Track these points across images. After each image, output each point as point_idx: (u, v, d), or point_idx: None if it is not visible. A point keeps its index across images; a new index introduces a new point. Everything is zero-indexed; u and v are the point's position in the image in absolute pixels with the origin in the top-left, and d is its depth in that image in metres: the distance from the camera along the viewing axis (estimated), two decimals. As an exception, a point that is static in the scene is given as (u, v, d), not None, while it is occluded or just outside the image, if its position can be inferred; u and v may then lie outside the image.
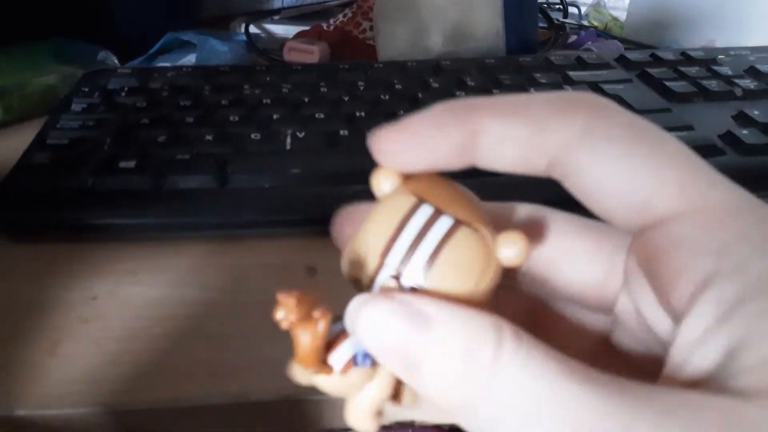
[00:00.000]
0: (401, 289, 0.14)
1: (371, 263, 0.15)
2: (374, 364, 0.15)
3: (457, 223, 0.14)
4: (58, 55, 0.40)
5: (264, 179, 0.30)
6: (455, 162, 0.15)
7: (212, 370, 0.23)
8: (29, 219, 0.28)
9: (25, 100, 0.39)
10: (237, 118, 0.34)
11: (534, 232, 0.17)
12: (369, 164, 0.31)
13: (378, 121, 0.34)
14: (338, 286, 0.27)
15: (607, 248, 0.16)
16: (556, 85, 0.39)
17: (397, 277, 0.14)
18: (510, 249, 0.14)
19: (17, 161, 0.31)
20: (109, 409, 0.22)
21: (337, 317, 0.15)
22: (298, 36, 0.50)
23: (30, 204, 0.28)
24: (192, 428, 0.23)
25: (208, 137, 0.32)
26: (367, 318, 0.14)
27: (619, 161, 0.14)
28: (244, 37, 0.50)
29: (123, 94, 0.36)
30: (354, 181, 0.30)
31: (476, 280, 0.14)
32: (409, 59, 0.42)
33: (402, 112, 0.36)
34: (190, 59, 0.45)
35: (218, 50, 0.44)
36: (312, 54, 0.44)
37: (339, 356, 0.15)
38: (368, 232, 0.15)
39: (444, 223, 0.14)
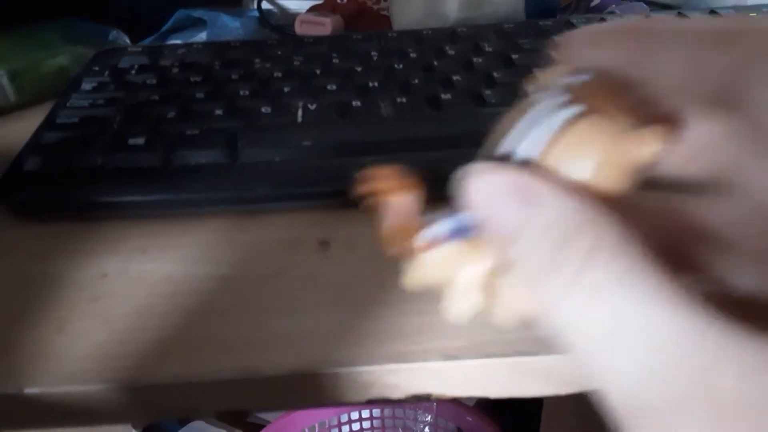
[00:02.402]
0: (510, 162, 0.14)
1: (491, 143, 0.14)
2: (468, 240, 0.14)
3: (589, 111, 0.13)
4: (69, 35, 0.40)
5: (275, 152, 0.29)
6: (626, 71, 0.14)
7: (223, 346, 0.23)
8: (39, 198, 0.28)
9: (37, 81, 0.38)
10: (247, 92, 0.34)
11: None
12: (382, 135, 0.30)
13: (391, 90, 0.34)
14: (351, 259, 0.26)
15: None
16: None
17: (508, 156, 0.14)
18: (644, 144, 0.13)
19: (27, 141, 0.30)
20: (119, 385, 0.22)
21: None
22: (312, 10, 0.49)
23: (40, 183, 0.28)
24: (202, 404, 0.23)
25: (218, 112, 0.32)
26: (478, 183, 0.13)
27: None
28: (256, 13, 0.50)
29: (133, 72, 0.36)
30: (367, 152, 0.29)
31: (597, 168, 0.13)
32: (424, 28, 0.41)
33: (416, 81, 0.34)
34: (201, 37, 0.45)
35: (230, 26, 0.44)
36: (324, 26, 0.43)
37: (429, 233, 0.14)
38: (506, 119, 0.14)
39: (574, 108, 0.13)
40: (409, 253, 0.14)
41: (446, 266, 0.15)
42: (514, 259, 0.13)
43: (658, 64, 0.13)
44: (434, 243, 0.14)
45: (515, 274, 0.13)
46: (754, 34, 0.12)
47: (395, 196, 0.14)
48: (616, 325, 0.11)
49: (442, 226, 0.14)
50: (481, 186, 0.13)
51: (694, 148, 0.15)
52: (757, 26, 0.12)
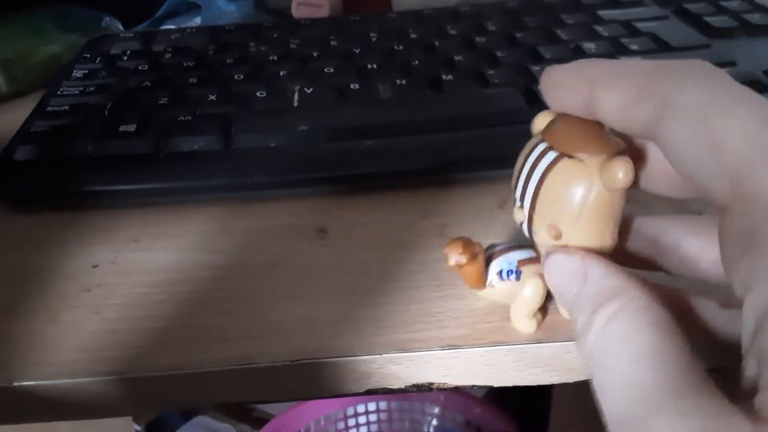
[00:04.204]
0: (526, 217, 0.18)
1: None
2: (518, 278, 0.20)
3: (560, 156, 0.17)
4: (61, 23, 0.39)
5: (270, 138, 0.29)
6: (586, 112, 0.17)
7: (219, 336, 0.22)
8: (29, 188, 0.27)
9: (30, 70, 0.38)
10: (242, 77, 0.33)
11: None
12: (382, 118, 0.29)
13: (391, 72, 0.33)
14: (350, 246, 0.25)
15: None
16: (585, 27, 0.36)
17: (521, 206, 0.18)
18: (610, 174, 0.15)
19: (17, 130, 0.30)
20: (112, 377, 0.21)
21: (491, 245, 0.21)
22: (310, -7, 0.48)
23: (29, 172, 0.28)
24: (198, 396, 0.22)
25: (212, 97, 0.31)
26: (549, 264, 0.18)
27: (696, 135, 0.14)
28: (253, -3, 0.48)
29: (125, 58, 0.35)
30: (365, 136, 0.29)
31: (578, 204, 0.16)
32: (425, 8, 0.40)
33: (417, 62, 0.33)
34: (196, 21, 0.44)
35: (225, 11, 0.43)
36: (322, 8, 0.42)
37: (489, 274, 0.20)
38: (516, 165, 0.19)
39: (549, 157, 0.17)
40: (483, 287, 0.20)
41: (504, 298, 0.20)
42: (571, 322, 0.16)
43: (602, 104, 0.16)
44: (491, 284, 0.20)
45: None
46: (667, 82, 0.15)
47: (472, 264, 0.19)
48: (612, 375, 0.14)
49: (493, 270, 0.20)
50: (554, 267, 0.17)
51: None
52: (667, 75, 0.15)
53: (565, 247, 0.17)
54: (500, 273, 0.20)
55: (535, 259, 0.19)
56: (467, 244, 0.19)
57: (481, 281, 0.20)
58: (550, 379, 0.22)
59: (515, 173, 0.18)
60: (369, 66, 0.33)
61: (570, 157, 0.16)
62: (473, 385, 0.22)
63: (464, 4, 0.41)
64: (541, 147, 0.17)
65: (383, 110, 0.30)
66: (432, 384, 0.22)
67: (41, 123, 0.30)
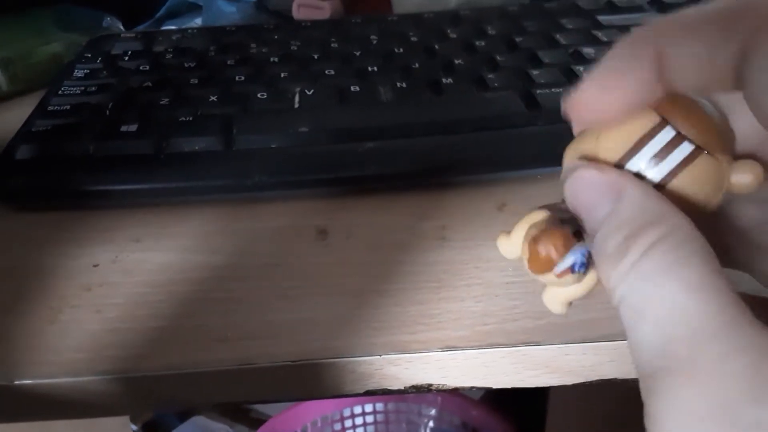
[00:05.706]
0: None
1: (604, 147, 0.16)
2: (585, 272, 0.17)
3: (698, 150, 0.15)
4: (62, 22, 0.39)
5: (271, 139, 0.29)
6: (656, 90, 0.15)
7: (219, 336, 0.22)
8: (30, 187, 0.27)
9: (30, 69, 0.38)
10: (243, 78, 0.33)
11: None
12: (382, 120, 0.29)
13: (391, 75, 0.33)
14: (350, 247, 0.26)
15: None
16: (584, 31, 0.36)
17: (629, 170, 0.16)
18: (744, 175, 0.15)
19: (18, 129, 0.30)
20: (112, 376, 0.21)
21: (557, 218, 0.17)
22: (311, -5, 0.48)
23: (31, 172, 0.28)
24: (198, 395, 0.22)
25: (213, 98, 0.31)
26: (575, 179, 0.15)
27: None
28: (254, -2, 0.49)
29: (126, 58, 0.35)
30: (366, 138, 0.29)
31: (704, 203, 0.15)
32: (425, 11, 0.40)
33: (417, 65, 0.33)
34: (197, 22, 0.44)
35: (226, 11, 0.43)
36: (323, 10, 0.42)
37: (562, 265, 0.17)
38: (606, 140, 0.16)
39: (685, 148, 0.15)
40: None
41: (559, 285, 0.18)
42: (596, 243, 0.15)
43: (678, 59, 0.14)
44: (557, 273, 0.17)
45: (594, 251, 0.15)
46: (749, 18, 0.13)
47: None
48: (655, 305, 0.13)
49: (566, 263, 0.17)
50: (582, 181, 0.15)
51: None
52: (753, 10, 0.13)
53: (594, 162, 0.15)
54: (573, 266, 0.18)
55: None
56: (566, 241, 0.16)
57: (551, 268, 0.18)
58: (548, 381, 0.22)
59: (623, 146, 0.16)
60: (369, 68, 0.33)
61: (708, 152, 0.15)
62: (471, 387, 0.22)
63: (464, 7, 0.41)
64: (670, 132, 0.15)
65: (383, 112, 0.30)
66: (431, 385, 0.22)
67: (42, 122, 0.30)
